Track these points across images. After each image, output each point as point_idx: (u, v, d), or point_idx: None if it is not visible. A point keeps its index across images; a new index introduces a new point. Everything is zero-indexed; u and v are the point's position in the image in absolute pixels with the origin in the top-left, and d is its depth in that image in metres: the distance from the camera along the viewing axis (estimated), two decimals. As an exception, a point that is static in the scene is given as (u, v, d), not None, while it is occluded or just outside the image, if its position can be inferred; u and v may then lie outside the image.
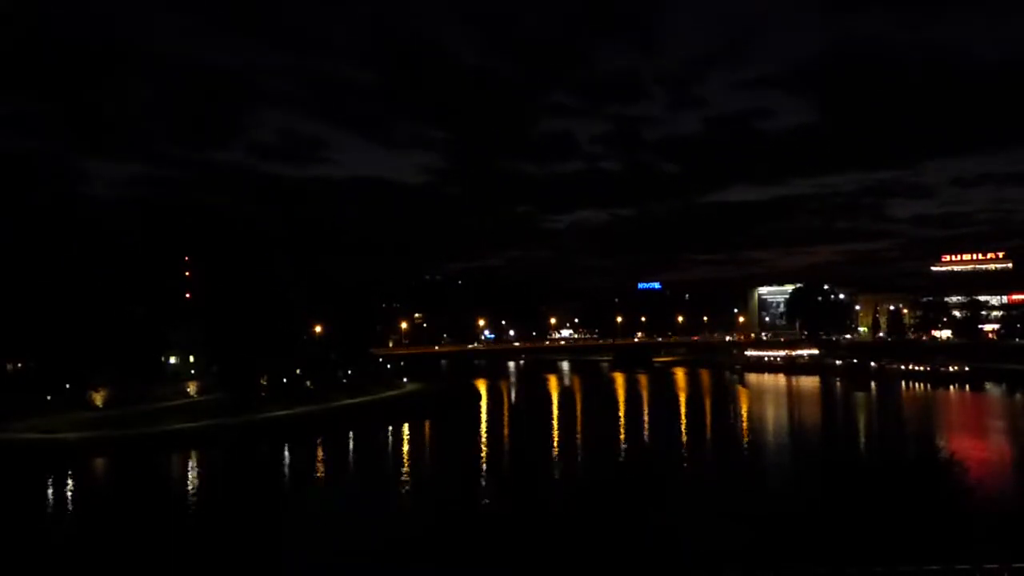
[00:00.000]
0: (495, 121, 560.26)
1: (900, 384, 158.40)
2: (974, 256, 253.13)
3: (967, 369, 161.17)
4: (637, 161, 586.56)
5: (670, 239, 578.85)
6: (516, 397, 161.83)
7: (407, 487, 72.97)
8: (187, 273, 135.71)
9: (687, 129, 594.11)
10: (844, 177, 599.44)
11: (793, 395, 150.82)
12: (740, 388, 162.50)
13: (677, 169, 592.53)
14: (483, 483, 73.17)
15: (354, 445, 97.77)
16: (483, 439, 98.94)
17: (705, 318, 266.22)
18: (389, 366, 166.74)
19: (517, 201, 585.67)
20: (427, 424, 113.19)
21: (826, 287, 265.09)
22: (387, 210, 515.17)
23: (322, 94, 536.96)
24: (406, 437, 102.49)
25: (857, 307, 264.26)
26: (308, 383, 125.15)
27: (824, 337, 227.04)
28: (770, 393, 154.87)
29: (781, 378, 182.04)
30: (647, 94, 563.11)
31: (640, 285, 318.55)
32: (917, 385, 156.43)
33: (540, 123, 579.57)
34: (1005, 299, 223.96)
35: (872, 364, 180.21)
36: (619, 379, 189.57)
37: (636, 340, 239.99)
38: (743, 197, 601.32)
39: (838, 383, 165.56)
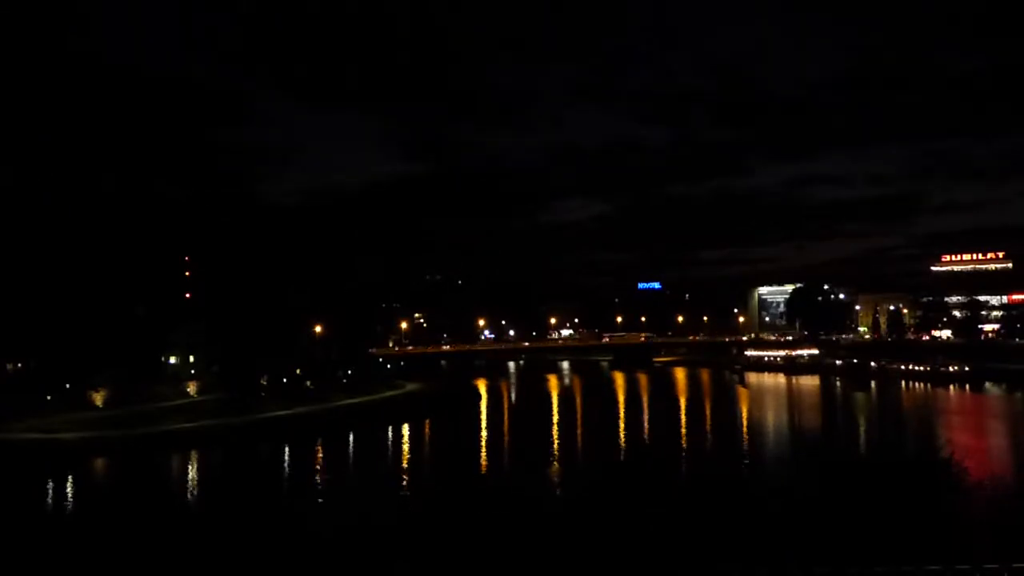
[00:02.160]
0: (432, 64, 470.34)
1: (900, 384, 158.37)
2: (974, 256, 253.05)
3: (967, 369, 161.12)
4: (618, 132, 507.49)
5: (670, 233, 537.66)
6: (516, 397, 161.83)
7: (407, 487, 72.95)
8: (187, 273, 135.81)
9: (678, 77, 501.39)
10: (887, 148, 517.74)
11: (793, 395, 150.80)
12: (740, 388, 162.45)
13: (669, 138, 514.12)
14: (483, 483, 73.14)
15: (354, 445, 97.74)
16: (483, 439, 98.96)
17: (705, 318, 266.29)
18: (389, 366, 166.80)
19: (496, 186, 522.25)
20: (427, 424, 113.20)
21: (826, 287, 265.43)
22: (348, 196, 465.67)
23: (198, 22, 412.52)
24: (406, 437, 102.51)
25: (857, 307, 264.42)
26: (308, 383, 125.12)
27: (824, 337, 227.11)
28: (770, 393, 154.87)
29: (781, 378, 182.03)
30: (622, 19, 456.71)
31: (640, 285, 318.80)
32: (917, 385, 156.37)
33: (490, 71, 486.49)
34: (1005, 299, 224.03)
35: (872, 364, 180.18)
36: (619, 379, 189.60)
37: (636, 340, 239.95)
38: (756, 178, 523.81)
39: (838, 383, 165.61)
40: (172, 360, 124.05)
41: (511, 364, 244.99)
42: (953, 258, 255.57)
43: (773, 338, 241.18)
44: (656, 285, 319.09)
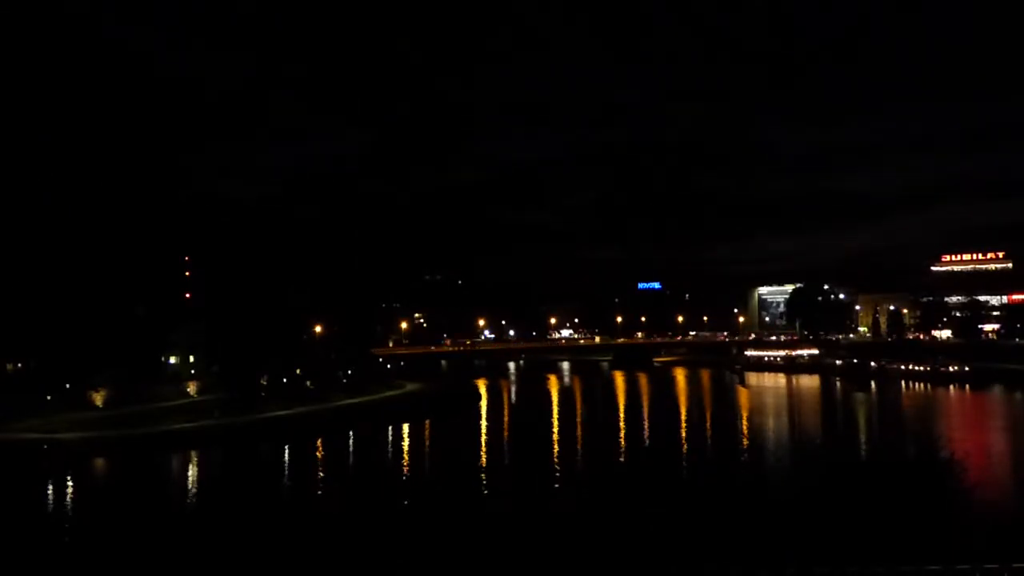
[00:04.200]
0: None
1: (900, 384, 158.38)
2: (974, 256, 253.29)
3: (967, 369, 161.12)
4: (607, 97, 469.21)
5: (670, 232, 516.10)
6: (516, 397, 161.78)
7: (407, 486, 72.93)
8: (187, 273, 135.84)
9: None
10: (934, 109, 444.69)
11: (793, 395, 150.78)
12: (740, 388, 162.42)
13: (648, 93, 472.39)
14: (483, 482, 73.12)
15: (354, 445, 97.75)
16: (483, 439, 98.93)
17: (705, 318, 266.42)
18: (389, 366, 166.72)
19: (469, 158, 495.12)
20: (427, 424, 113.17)
21: (826, 287, 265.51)
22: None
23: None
24: (406, 437, 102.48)
25: (857, 307, 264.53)
26: (308, 383, 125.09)
27: (824, 337, 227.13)
28: (770, 393, 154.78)
29: (781, 378, 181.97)
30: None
31: (640, 285, 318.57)
32: (917, 385, 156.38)
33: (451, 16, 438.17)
34: (1005, 299, 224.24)
35: (872, 364, 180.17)
36: (619, 379, 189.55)
37: (636, 340, 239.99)
38: (779, 148, 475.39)
39: (838, 383, 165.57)
40: (172, 360, 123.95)
41: (511, 364, 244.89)
42: (953, 258, 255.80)
43: (773, 338, 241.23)
44: (656, 285, 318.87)
